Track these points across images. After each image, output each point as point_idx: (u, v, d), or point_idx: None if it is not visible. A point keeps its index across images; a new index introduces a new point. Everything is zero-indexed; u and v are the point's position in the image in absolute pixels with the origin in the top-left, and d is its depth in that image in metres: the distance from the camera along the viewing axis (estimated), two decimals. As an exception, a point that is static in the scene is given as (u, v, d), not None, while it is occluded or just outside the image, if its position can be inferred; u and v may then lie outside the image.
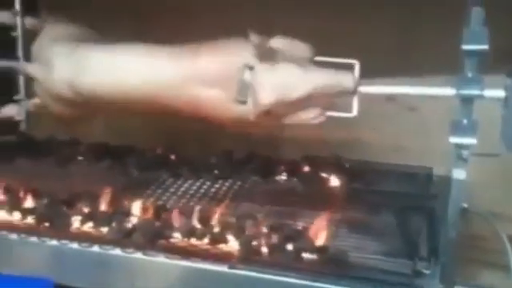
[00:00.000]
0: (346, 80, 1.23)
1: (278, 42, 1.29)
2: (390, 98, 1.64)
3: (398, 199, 1.43)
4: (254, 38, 1.27)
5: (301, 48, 1.28)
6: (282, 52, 1.27)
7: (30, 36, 1.56)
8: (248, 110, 1.26)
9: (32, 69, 1.49)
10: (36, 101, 1.57)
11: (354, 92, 1.23)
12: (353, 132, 1.67)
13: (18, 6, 1.64)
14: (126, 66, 1.36)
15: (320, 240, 1.23)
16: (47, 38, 1.49)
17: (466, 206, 1.16)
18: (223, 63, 1.28)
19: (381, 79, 1.26)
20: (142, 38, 1.37)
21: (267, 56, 1.26)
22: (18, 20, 1.61)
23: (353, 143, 1.70)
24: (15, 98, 1.69)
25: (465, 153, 1.11)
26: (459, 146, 1.11)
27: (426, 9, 1.64)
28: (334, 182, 1.57)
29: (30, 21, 1.63)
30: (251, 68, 1.24)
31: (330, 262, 1.16)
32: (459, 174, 1.12)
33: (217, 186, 1.55)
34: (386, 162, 1.64)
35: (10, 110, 1.58)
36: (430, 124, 1.69)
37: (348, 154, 1.66)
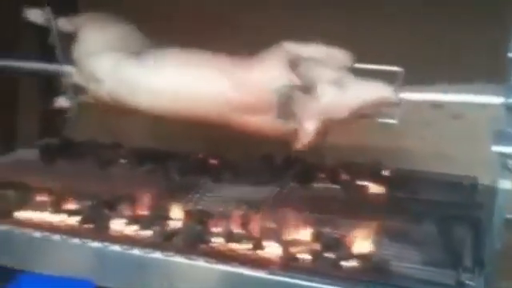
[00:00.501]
0: (387, 93, 1.20)
1: (313, 50, 1.26)
2: (435, 105, 1.62)
3: (442, 208, 1.41)
4: (289, 47, 1.25)
5: (338, 56, 1.24)
6: (318, 62, 1.24)
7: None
8: (296, 140, 1.25)
9: (76, 78, 1.46)
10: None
11: (396, 103, 1.21)
12: (396, 139, 1.65)
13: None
14: (170, 86, 1.32)
15: (361, 248, 1.22)
16: (88, 44, 1.42)
17: (511, 216, 1.13)
18: (260, 91, 1.24)
19: (426, 86, 1.24)
20: (174, 42, 1.37)
21: (304, 69, 1.23)
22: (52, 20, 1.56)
23: (395, 150, 1.68)
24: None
25: (510, 162, 1.08)
26: (505, 156, 1.09)
27: (468, 16, 1.61)
28: (375, 189, 1.55)
29: (63, 22, 1.49)
30: (289, 90, 1.22)
31: (371, 271, 1.15)
32: (505, 183, 1.10)
33: (256, 191, 1.54)
34: (429, 171, 1.62)
35: (62, 102, 1.55)
36: (474, 132, 1.66)
37: (390, 162, 1.64)
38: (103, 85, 1.35)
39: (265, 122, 1.26)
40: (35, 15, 1.44)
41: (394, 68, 1.21)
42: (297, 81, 1.21)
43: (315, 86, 1.21)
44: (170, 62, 1.33)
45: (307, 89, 1.21)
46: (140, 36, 1.43)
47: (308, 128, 1.22)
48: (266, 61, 1.26)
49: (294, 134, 1.24)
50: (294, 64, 1.23)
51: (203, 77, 1.29)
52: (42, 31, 1.46)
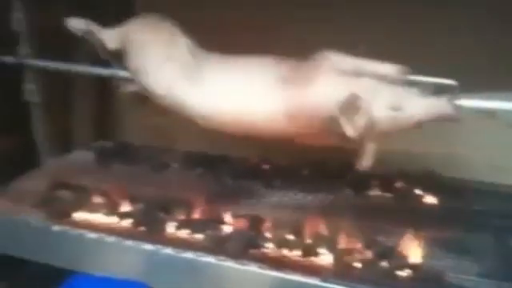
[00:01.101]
0: (449, 110, 1.16)
1: (365, 64, 1.21)
2: (489, 114, 1.59)
3: (497, 219, 1.39)
4: (335, 57, 1.21)
5: (388, 70, 1.20)
6: (373, 77, 1.19)
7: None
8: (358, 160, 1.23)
9: (134, 87, 1.45)
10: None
11: (457, 119, 1.18)
12: (450, 148, 1.63)
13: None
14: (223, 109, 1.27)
15: (414, 258, 1.21)
16: (145, 59, 1.33)
17: None
18: (318, 107, 1.21)
19: (480, 94, 1.22)
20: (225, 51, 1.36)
21: (356, 86, 1.18)
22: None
23: (450, 159, 1.65)
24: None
25: None
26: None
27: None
28: (429, 199, 1.53)
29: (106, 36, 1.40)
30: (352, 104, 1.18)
31: (425, 281, 1.14)
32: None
33: (309, 197, 1.55)
34: (484, 181, 1.59)
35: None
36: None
37: (444, 171, 1.62)
38: (163, 99, 1.34)
39: (321, 135, 1.25)
40: (77, 25, 1.39)
41: (449, 81, 1.19)
42: (357, 96, 1.17)
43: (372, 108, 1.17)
44: (221, 81, 1.28)
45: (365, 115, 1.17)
46: (194, 48, 1.41)
47: (369, 150, 1.20)
48: (320, 74, 1.21)
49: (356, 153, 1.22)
50: (348, 82, 1.19)
51: (256, 95, 1.25)
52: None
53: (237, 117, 1.26)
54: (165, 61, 1.30)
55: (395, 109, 1.16)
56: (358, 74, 1.19)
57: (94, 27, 1.38)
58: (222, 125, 1.29)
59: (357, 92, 1.16)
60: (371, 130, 1.17)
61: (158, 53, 1.31)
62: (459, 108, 1.17)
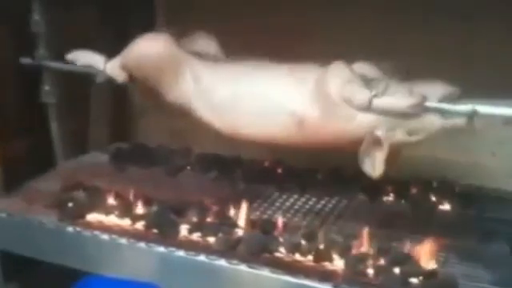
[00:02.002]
0: (462, 125, 1.15)
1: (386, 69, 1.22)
2: (507, 121, 1.57)
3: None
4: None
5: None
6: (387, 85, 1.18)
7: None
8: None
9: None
10: None
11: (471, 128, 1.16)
12: (467, 155, 1.62)
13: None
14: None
15: (428, 265, 1.20)
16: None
17: None
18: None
19: (498, 101, 1.21)
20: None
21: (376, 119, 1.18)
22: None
23: (466, 167, 1.64)
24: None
25: None
26: None
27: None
28: (445, 206, 1.52)
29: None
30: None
31: (439, 289, 1.13)
32: None
33: (323, 202, 1.54)
34: (500, 188, 1.58)
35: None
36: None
37: (461, 178, 1.60)
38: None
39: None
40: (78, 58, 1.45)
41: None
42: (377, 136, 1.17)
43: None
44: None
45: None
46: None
47: (380, 159, 1.19)
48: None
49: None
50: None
51: (277, 101, 1.25)
52: (116, 36, 1.49)
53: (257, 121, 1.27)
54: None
55: (412, 133, 1.17)
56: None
57: (97, 59, 1.43)
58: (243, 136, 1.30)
59: (376, 125, 1.16)
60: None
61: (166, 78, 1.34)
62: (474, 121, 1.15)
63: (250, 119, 1.28)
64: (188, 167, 1.77)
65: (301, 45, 1.61)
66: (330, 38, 1.62)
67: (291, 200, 1.56)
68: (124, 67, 1.40)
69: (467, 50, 1.56)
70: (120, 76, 1.41)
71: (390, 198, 1.57)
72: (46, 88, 1.60)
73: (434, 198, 1.55)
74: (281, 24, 1.70)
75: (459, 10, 1.53)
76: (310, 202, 1.54)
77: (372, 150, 1.17)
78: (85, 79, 1.50)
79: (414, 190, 1.59)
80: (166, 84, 1.34)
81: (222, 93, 1.30)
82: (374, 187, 1.57)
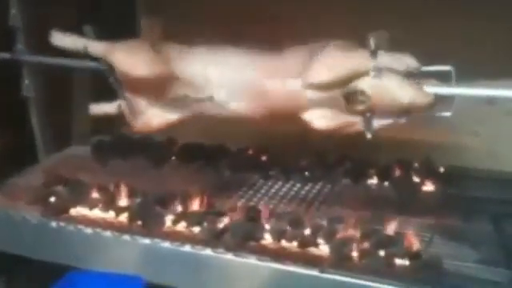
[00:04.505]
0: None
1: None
2: (489, 101, 1.58)
3: (495, 206, 1.39)
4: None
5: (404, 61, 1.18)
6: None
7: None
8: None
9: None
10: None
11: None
12: (448, 135, 1.62)
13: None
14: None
15: (413, 246, 1.21)
16: None
17: None
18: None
19: (480, 82, 1.22)
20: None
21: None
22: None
23: (448, 147, 1.65)
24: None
25: None
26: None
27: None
28: (428, 187, 1.53)
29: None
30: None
31: (423, 269, 1.14)
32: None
33: (307, 188, 1.55)
34: (482, 168, 1.59)
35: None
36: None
37: (442, 159, 1.61)
38: None
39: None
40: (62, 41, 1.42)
41: (444, 67, 1.17)
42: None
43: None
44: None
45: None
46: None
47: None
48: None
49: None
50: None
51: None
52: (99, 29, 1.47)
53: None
54: None
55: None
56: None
57: (80, 41, 1.39)
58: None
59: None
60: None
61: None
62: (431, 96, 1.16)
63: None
64: (172, 157, 1.76)
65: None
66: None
67: (276, 187, 1.56)
68: (105, 58, 1.38)
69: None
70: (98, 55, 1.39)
71: (374, 180, 1.58)
72: (26, 82, 1.59)
73: (417, 180, 1.55)
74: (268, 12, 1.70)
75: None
76: (295, 189, 1.55)
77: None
78: (65, 73, 1.49)
79: (397, 173, 1.59)
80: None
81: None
82: (358, 171, 1.58)
